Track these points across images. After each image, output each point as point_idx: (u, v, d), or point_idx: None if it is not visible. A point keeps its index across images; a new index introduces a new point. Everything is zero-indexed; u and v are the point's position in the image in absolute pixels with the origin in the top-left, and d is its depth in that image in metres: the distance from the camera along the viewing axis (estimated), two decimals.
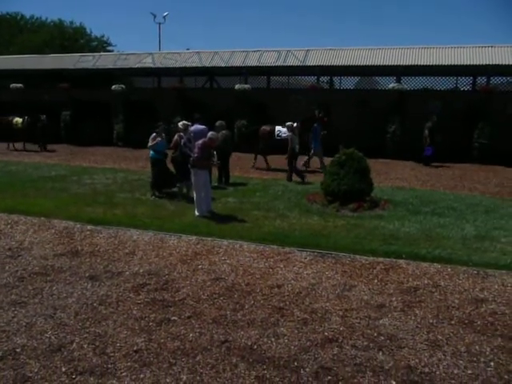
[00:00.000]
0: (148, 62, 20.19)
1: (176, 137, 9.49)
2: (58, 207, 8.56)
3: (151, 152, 9.75)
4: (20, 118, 18.00)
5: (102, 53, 27.72)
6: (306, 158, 13.75)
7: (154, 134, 9.62)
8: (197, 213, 8.28)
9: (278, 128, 13.74)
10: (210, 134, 8.59)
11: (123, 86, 20.33)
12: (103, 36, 38.03)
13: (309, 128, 13.27)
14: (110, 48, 37.76)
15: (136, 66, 20.27)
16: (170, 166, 9.82)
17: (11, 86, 21.64)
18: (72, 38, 35.99)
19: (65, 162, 14.98)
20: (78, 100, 20.49)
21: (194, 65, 19.42)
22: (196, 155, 8.23)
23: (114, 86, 19.97)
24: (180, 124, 9.71)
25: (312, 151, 13.53)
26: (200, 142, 8.38)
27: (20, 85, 21.62)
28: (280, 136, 13.50)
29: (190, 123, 9.92)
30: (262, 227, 7.59)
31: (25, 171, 12.86)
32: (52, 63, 21.76)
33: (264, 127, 13.98)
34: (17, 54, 25.62)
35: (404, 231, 7.43)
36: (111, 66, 20.57)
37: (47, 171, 12.94)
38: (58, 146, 19.29)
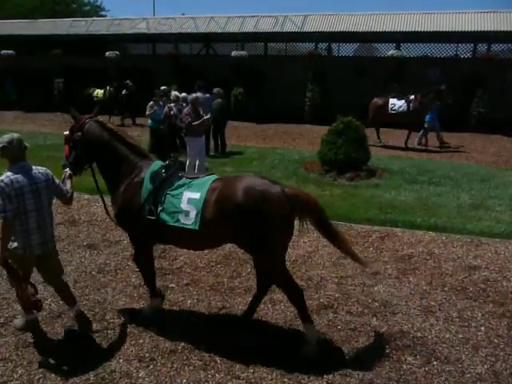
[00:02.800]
0: (142, 28, 19.68)
1: (166, 108, 9.37)
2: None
3: (149, 121, 9.69)
4: (101, 89, 16.37)
5: (94, 18, 26.93)
6: (420, 134, 12.64)
7: (152, 102, 9.51)
8: None
9: (392, 101, 12.52)
10: (189, 97, 8.58)
11: (117, 52, 19.88)
12: (96, 1, 36.92)
13: (429, 103, 12.13)
14: (102, 13, 36.77)
15: (130, 32, 19.76)
16: None
17: (1, 52, 21.09)
18: (63, 2, 34.92)
19: (59, 131, 14.76)
20: (71, 67, 20.04)
21: (189, 30, 18.96)
22: (186, 122, 8.15)
23: (107, 53, 19.52)
24: (172, 94, 9.61)
25: (426, 126, 12.40)
26: (186, 109, 8.36)
27: (11, 51, 21.06)
28: (395, 110, 12.40)
29: (179, 94, 9.81)
30: None
31: None
32: (43, 28, 21.18)
33: (376, 99, 12.81)
34: (6, 18, 24.85)
35: (400, 200, 7.47)
36: (104, 32, 20.05)
37: (42, 140, 12.81)
38: (51, 114, 19.03)
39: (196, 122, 8.06)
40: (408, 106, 12.22)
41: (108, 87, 16.23)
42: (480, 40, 17.84)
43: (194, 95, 8.62)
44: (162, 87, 11.80)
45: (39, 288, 4.42)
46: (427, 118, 12.29)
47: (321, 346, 3.52)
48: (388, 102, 12.53)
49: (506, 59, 18.04)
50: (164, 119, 9.39)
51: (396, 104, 12.41)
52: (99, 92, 16.41)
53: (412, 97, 12.15)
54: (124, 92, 15.84)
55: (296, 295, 3.47)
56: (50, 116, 18.44)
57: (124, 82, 16.00)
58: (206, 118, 8.47)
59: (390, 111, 12.47)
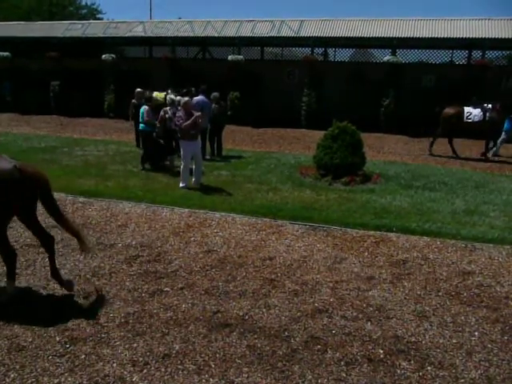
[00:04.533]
0: (139, 31, 19.68)
1: (162, 112, 9.35)
2: (48, 179, 8.47)
3: (141, 125, 9.62)
4: (161, 92, 14.68)
5: (91, 20, 26.92)
6: (497, 144, 12.22)
7: (148, 108, 9.46)
8: (181, 184, 8.29)
9: (467, 109, 11.84)
10: (180, 100, 8.67)
11: (114, 55, 19.87)
12: (94, 4, 36.87)
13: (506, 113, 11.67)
14: (99, 16, 36.73)
15: (126, 35, 19.76)
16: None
17: None
18: (60, 4, 34.86)
19: (55, 133, 14.77)
20: (68, 69, 20.02)
21: (186, 34, 18.98)
22: (179, 125, 8.12)
23: (104, 56, 19.52)
24: (168, 98, 9.60)
25: (503, 136, 12.05)
26: (178, 112, 8.36)
27: (7, 53, 21.01)
28: (470, 118, 11.73)
29: (174, 97, 9.83)
30: (255, 200, 7.62)
31: (14, 142, 12.67)
32: (40, 31, 21.12)
33: (448, 109, 12.11)
34: (2, 20, 24.81)
35: (395, 205, 7.50)
36: (101, 35, 20.02)
37: (37, 142, 12.76)
38: (46, 116, 19.01)
39: (187, 122, 8.02)
40: (484, 115, 11.70)
41: (169, 90, 14.67)
42: (475, 47, 18.00)
43: (185, 99, 8.65)
44: (137, 89, 11.74)
45: (32, 292, 4.42)
46: (506, 127, 11.86)
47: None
48: (463, 111, 11.93)
49: (500, 66, 18.23)
50: (159, 123, 9.38)
51: (472, 113, 11.82)
52: (159, 95, 15.46)
53: (489, 105, 11.73)
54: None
55: (7, 257, 4.19)
56: (45, 118, 18.42)
57: (189, 89, 15.46)
58: (197, 114, 8.25)
59: (465, 120, 11.85)
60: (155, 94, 15.37)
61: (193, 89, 11.82)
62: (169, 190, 8.13)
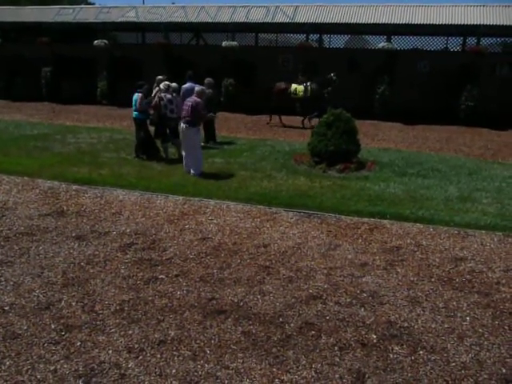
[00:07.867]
0: (131, 17, 19.35)
1: (156, 98, 9.22)
2: (41, 167, 8.42)
3: (135, 113, 9.46)
4: (299, 84, 13.78)
5: (82, 5, 26.45)
6: None
7: (141, 95, 9.31)
8: (193, 171, 8.24)
9: None
10: (196, 88, 8.57)
11: (106, 41, 19.59)
12: None
13: None
14: (91, 1, 36.13)
15: (119, 21, 19.45)
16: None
17: None
18: None
19: (47, 121, 14.61)
20: (59, 56, 19.73)
21: (179, 20, 18.71)
22: (192, 114, 8.10)
23: (96, 42, 19.22)
24: (162, 85, 9.45)
25: None
26: (194, 100, 8.20)
27: None
28: None
29: (170, 83, 9.65)
30: (249, 187, 7.61)
31: (6, 129, 12.53)
32: (30, 16, 20.75)
33: None
34: None
35: (389, 192, 7.53)
36: (93, 20, 19.70)
37: (29, 129, 12.63)
38: (38, 103, 18.79)
39: (211, 114, 9.06)
40: None
41: (309, 83, 13.81)
42: (470, 33, 17.92)
43: (201, 87, 8.88)
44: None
45: (27, 280, 4.42)
46: None
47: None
48: None
49: (494, 53, 18.19)
50: (154, 109, 9.25)
51: None
52: (298, 89, 13.83)
53: None
54: (329, 89, 13.73)
55: None
56: (37, 105, 18.21)
57: (328, 76, 13.67)
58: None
59: None
60: (294, 86, 14.04)
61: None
62: (163, 178, 8.10)
